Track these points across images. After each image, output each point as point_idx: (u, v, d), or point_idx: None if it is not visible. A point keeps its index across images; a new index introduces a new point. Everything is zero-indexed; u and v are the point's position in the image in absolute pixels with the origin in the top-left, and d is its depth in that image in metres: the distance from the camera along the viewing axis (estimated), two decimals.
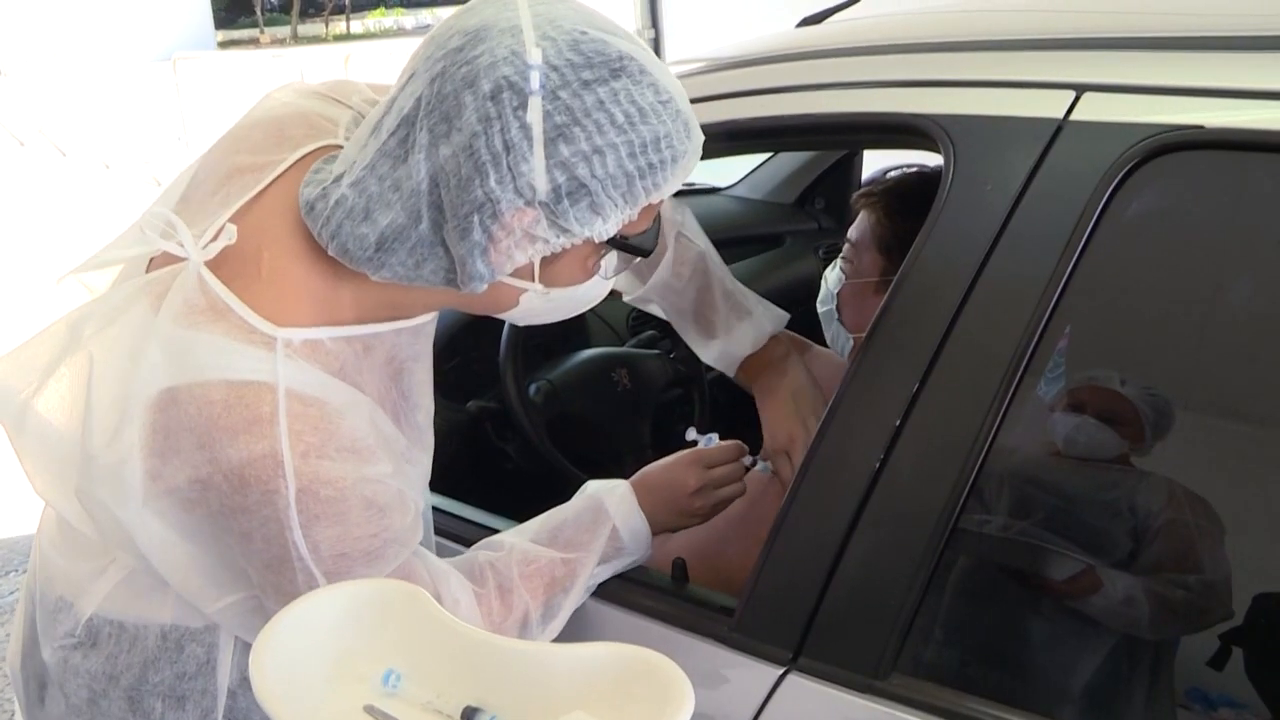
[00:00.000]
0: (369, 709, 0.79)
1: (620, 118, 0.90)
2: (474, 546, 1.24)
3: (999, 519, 1.12)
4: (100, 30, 18.90)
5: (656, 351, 2.09)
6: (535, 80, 0.88)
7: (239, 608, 1.07)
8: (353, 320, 1.04)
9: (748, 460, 1.42)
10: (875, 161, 3.10)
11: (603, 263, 1.03)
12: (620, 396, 1.97)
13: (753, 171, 3.07)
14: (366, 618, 0.83)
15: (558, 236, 0.94)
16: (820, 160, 2.94)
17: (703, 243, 1.54)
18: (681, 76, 1.31)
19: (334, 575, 0.98)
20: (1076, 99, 1.07)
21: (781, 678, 1.09)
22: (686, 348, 1.99)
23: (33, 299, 6.49)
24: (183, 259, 1.00)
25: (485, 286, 0.97)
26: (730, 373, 1.57)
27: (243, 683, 1.14)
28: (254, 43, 27.03)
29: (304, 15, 30.23)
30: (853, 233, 1.60)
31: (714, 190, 3.13)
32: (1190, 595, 1.10)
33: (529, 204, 0.91)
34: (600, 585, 1.25)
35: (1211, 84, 1.02)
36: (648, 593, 1.25)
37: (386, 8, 31.37)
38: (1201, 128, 1.00)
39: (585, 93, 0.89)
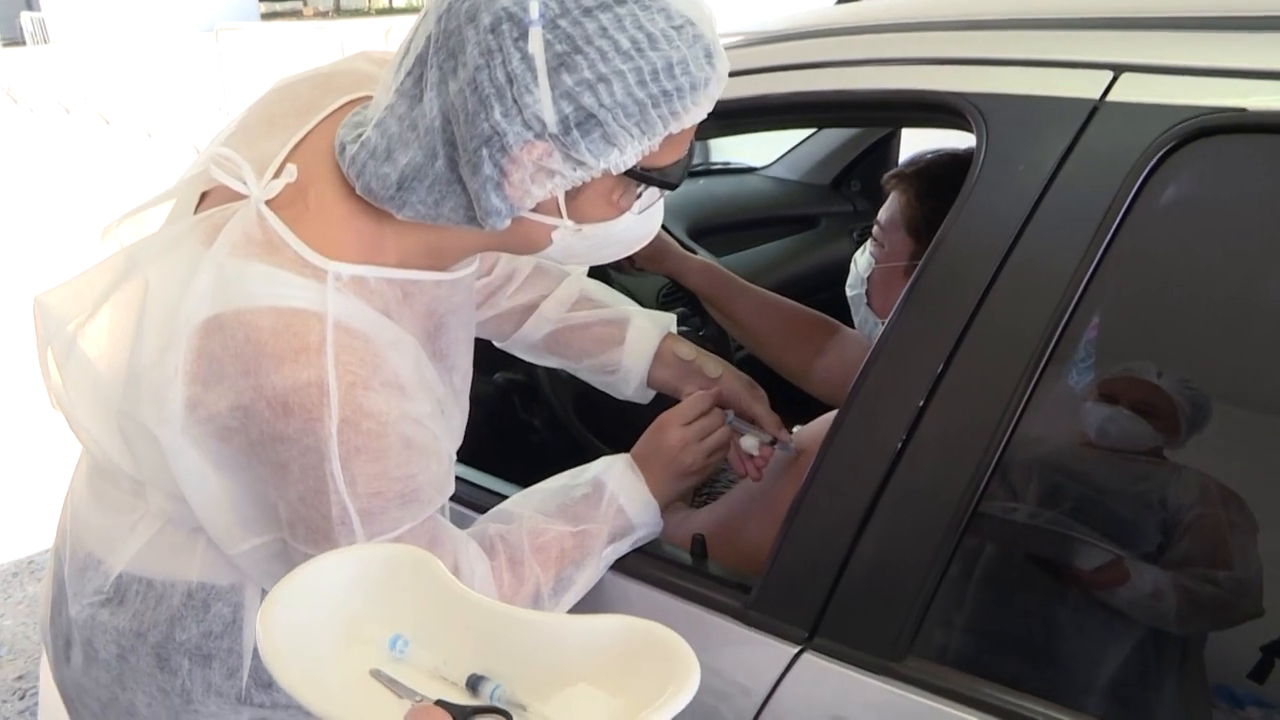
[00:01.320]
0: (375, 673, 0.79)
1: (626, 44, 0.88)
2: (482, 518, 1.24)
3: (1021, 505, 1.10)
4: (146, 1, 19.06)
5: (685, 329, 2.08)
6: (534, 10, 0.87)
7: (263, 551, 1.07)
8: (395, 264, 1.04)
9: (767, 438, 1.41)
10: (913, 144, 3.09)
11: (638, 201, 1.02)
12: None
13: (789, 152, 3.05)
14: (376, 582, 0.82)
15: (574, 169, 0.93)
16: (858, 142, 2.92)
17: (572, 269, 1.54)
18: None
19: (367, 514, 0.98)
20: (1114, 79, 1.04)
21: (796, 656, 1.09)
22: (715, 326, 1.99)
23: (74, 265, 6.59)
24: (241, 197, 1.02)
25: (506, 222, 0.97)
26: (645, 394, 1.55)
27: None
28: (296, 15, 27.14)
29: None
30: (882, 215, 1.59)
31: (750, 170, 3.12)
32: (1220, 591, 1.08)
33: (539, 136, 0.90)
34: (620, 559, 1.25)
35: (1254, 65, 0.99)
36: (666, 568, 1.24)
37: None
38: (1244, 110, 0.97)
39: (586, 20, 0.88)
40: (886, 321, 1.11)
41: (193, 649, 1.15)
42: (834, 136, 2.94)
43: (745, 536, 1.39)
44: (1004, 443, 1.01)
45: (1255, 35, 1.02)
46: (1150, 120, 1.00)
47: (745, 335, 1.88)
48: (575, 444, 1.97)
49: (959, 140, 1.41)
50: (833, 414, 1.55)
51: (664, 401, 1.56)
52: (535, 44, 0.87)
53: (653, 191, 1.03)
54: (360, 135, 0.99)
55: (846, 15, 1.38)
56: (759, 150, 3.15)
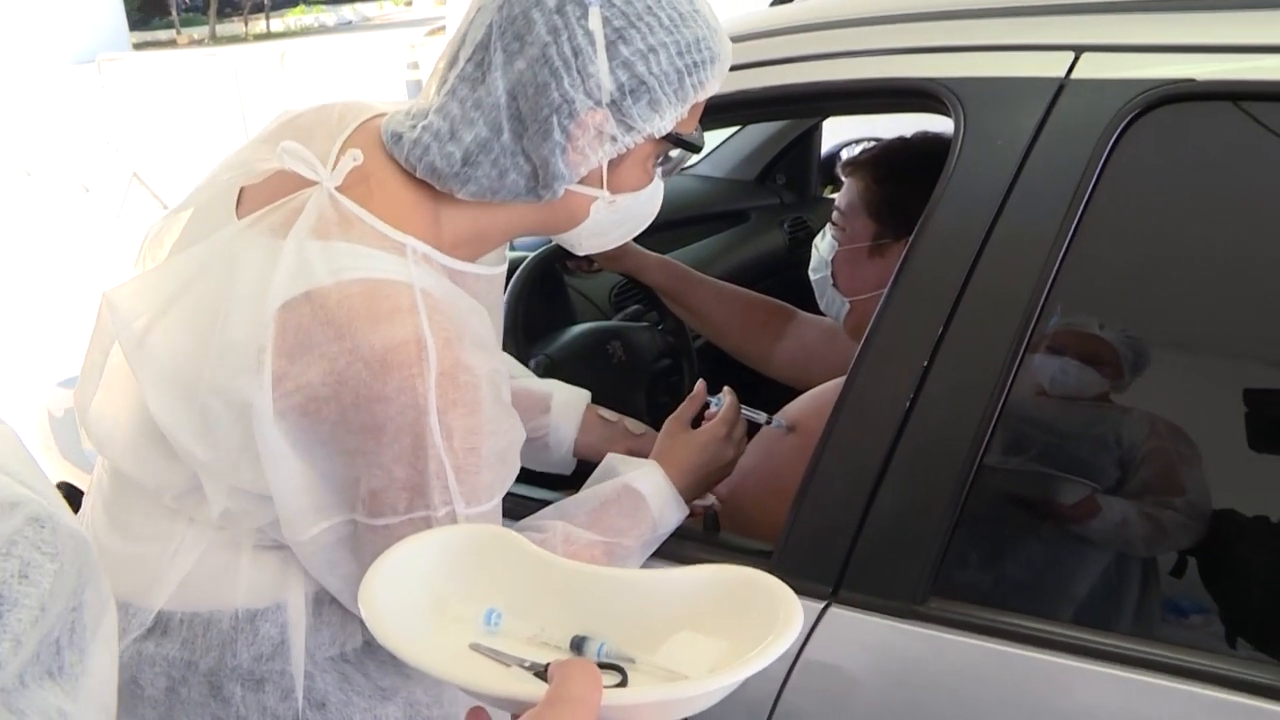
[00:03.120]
0: (475, 647, 0.81)
1: (667, 20, 1.02)
2: (517, 525, 1.25)
3: (1019, 454, 1.20)
4: (5, 34, 18.35)
5: (646, 324, 2.15)
6: None
7: (330, 536, 1.06)
8: (448, 249, 1.11)
9: (762, 418, 1.49)
10: (834, 135, 3.20)
11: (659, 169, 1.14)
12: (616, 368, 2.01)
13: (714, 150, 3.12)
14: (460, 562, 0.84)
15: (625, 134, 1.05)
16: (780, 136, 3.01)
17: None
18: None
19: (462, 471, 1.02)
20: (1076, 59, 1.15)
21: (824, 611, 1.16)
22: (674, 319, 2.06)
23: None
24: (291, 190, 1.06)
25: (562, 190, 1.07)
26: (568, 462, 1.56)
27: (317, 665, 1.15)
28: (171, 44, 26.44)
29: (221, 15, 29.58)
30: (841, 201, 1.67)
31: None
32: (1178, 515, 1.19)
33: (598, 104, 1.02)
34: None
35: (1200, 41, 1.11)
36: (683, 544, 1.30)
37: (307, 5, 30.77)
38: (1193, 81, 1.09)
39: None
40: (856, 304, 1.19)
41: (245, 674, 1.13)
42: (757, 132, 3.03)
43: (746, 509, 1.47)
44: (1002, 398, 1.11)
45: (1198, 14, 1.14)
46: (1112, 94, 1.11)
47: (705, 326, 1.95)
48: None
49: (878, 128, 1.47)
50: (811, 391, 1.64)
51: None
52: (595, 21, 1.01)
53: (668, 156, 1.14)
54: (415, 123, 1.06)
55: (817, 11, 1.45)
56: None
